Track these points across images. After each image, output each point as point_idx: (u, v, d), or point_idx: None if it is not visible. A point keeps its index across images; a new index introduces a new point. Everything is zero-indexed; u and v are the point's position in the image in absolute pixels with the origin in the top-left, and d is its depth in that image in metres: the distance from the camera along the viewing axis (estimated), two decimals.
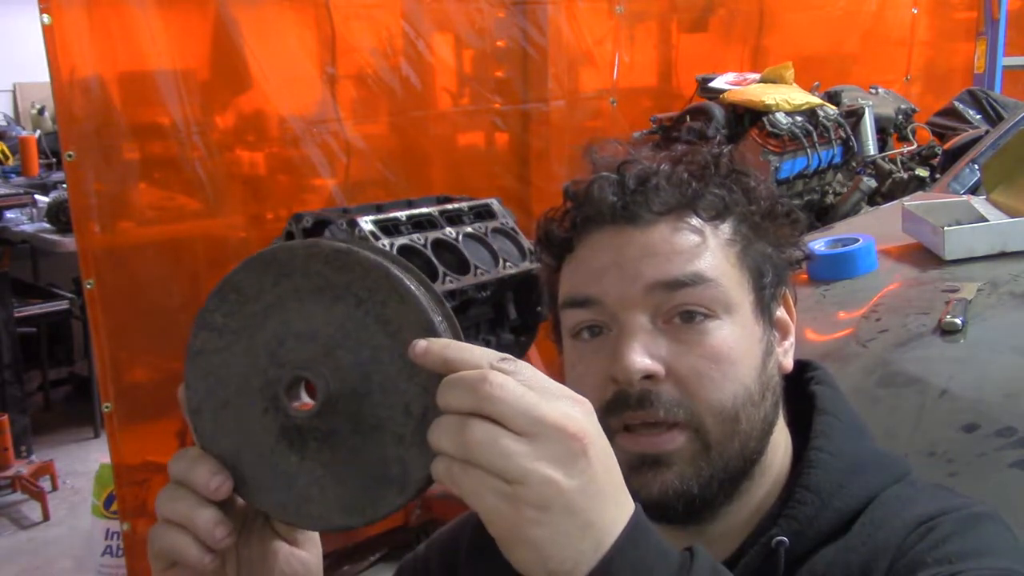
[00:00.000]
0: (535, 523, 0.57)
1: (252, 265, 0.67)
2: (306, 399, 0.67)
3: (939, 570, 0.72)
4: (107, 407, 2.62)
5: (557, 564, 0.57)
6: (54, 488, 4.11)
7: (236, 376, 0.67)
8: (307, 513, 0.66)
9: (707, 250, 0.83)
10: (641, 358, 0.79)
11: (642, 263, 0.82)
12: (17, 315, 4.32)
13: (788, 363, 0.89)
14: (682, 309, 0.81)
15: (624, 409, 0.79)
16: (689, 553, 0.62)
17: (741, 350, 0.82)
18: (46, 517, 3.88)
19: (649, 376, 0.79)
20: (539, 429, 0.57)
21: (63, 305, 4.57)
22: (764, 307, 0.86)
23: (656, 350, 0.80)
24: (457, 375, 0.59)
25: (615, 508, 0.60)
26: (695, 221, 0.84)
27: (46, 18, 2.39)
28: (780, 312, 0.89)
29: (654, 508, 0.63)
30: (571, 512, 0.57)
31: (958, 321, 1.57)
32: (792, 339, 0.91)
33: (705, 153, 0.88)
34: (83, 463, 4.24)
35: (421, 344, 0.61)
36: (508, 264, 2.71)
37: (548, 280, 0.91)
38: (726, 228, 0.85)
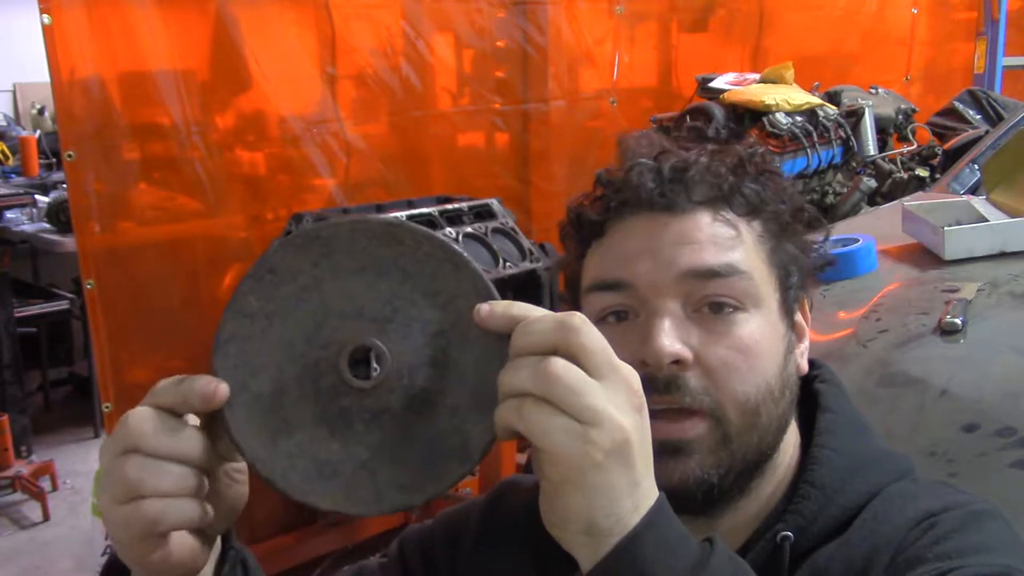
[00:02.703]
0: (597, 467, 0.58)
1: (291, 244, 0.65)
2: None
3: (939, 566, 0.72)
4: (107, 407, 2.62)
5: (602, 516, 0.59)
6: (54, 488, 4.10)
7: (270, 365, 0.65)
8: (360, 499, 0.64)
9: (741, 243, 0.84)
10: (672, 342, 0.79)
11: (677, 250, 0.83)
12: (17, 315, 4.32)
13: (804, 365, 0.91)
14: (712, 299, 0.82)
15: (650, 393, 0.79)
16: (708, 541, 0.63)
17: (767, 345, 0.83)
18: (46, 517, 3.88)
19: (677, 361, 0.80)
20: (613, 375, 0.60)
21: (63, 305, 4.57)
22: (788, 307, 0.87)
23: (686, 337, 0.81)
24: (540, 315, 0.61)
25: (652, 478, 0.62)
26: (730, 215, 0.85)
27: (46, 18, 2.40)
28: (798, 315, 0.90)
29: (674, 496, 0.63)
30: (627, 465, 0.59)
31: (958, 321, 1.57)
32: (807, 342, 0.92)
33: (740, 150, 0.89)
34: (83, 463, 4.24)
35: (485, 307, 0.62)
36: (508, 264, 2.72)
37: (569, 267, 0.92)
38: (757, 225, 0.87)
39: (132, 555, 0.65)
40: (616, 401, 0.59)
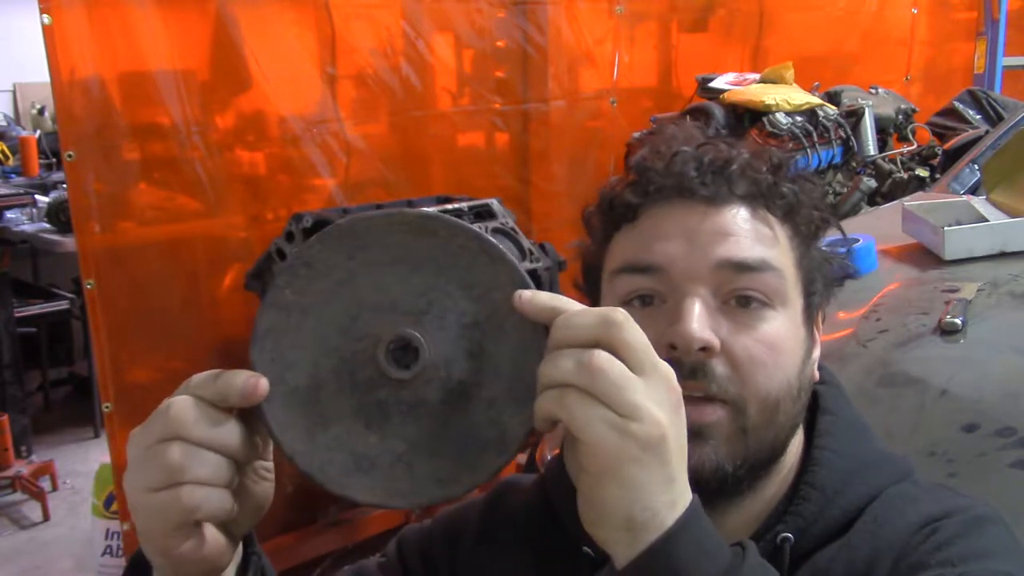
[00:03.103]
0: (635, 461, 0.59)
1: (326, 238, 0.65)
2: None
3: (941, 572, 0.73)
4: (107, 407, 2.62)
5: (640, 510, 0.59)
6: (54, 488, 4.11)
7: (307, 358, 0.65)
8: (397, 491, 0.65)
9: (777, 242, 0.85)
10: (702, 327, 0.80)
11: (714, 239, 0.83)
12: (17, 315, 4.32)
13: (816, 373, 0.91)
14: (742, 293, 0.82)
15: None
16: (741, 546, 0.64)
17: (790, 344, 0.84)
18: (46, 517, 3.88)
19: (705, 348, 0.80)
20: (652, 371, 0.60)
21: (63, 305, 4.57)
22: (809, 313, 0.88)
23: (715, 325, 0.81)
24: (581, 308, 0.61)
25: (686, 475, 0.63)
26: (767, 213, 0.86)
27: (46, 18, 2.39)
28: (814, 326, 0.91)
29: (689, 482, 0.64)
30: (664, 460, 0.60)
31: (958, 321, 1.57)
32: (818, 352, 0.92)
33: (778, 152, 0.90)
34: (83, 463, 4.24)
35: (527, 294, 0.63)
36: None
37: (590, 252, 0.92)
38: (789, 228, 0.87)
39: (162, 545, 0.65)
40: (656, 397, 0.60)
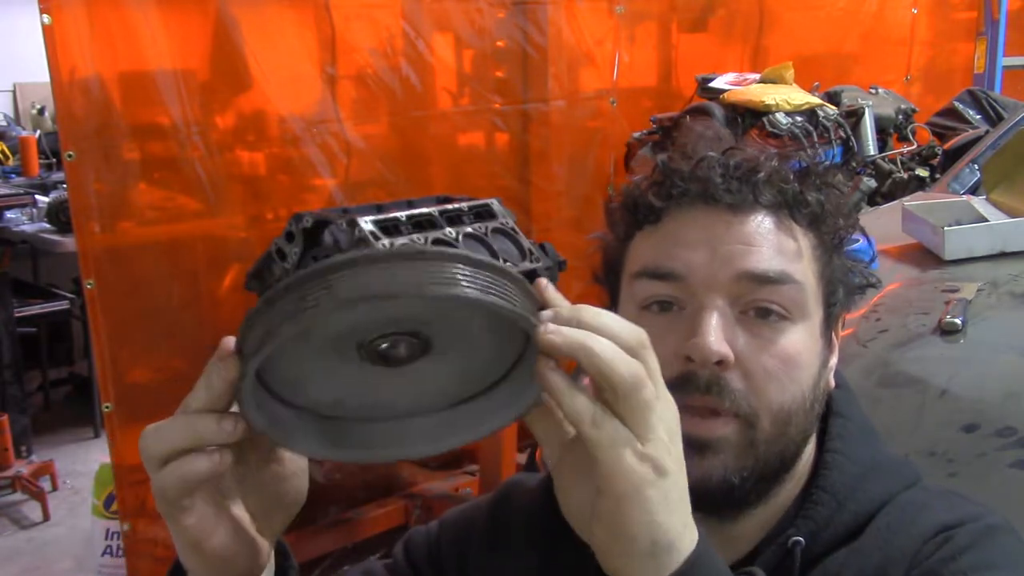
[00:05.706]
0: (651, 484, 0.59)
1: None
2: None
3: None
4: (107, 407, 2.61)
5: (662, 534, 0.60)
6: (54, 488, 4.11)
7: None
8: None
9: (800, 254, 0.84)
10: (719, 341, 0.79)
11: (736, 249, 0.82)
12: (17, 315, 4.32)
13: (832, 381, 0.90)
14: (762, 304, 0.82)
15: (691, 391, 0.79)
16: (750, 574, 0.65)
17: (807, 357, 0.83)
18: (46, 517, 3.88)
19: (720, 362, 0.79)
20: (665, 396, 0.62)
21: (63, 305, 4.57)
22: (829, 323, 0.87)
23: (732, 338, 0.80)
24: (610, 343, 0.59)
25: (688, 499, 0.64)
26: (792, 223, 0.85)
27: (46, 18, 2.39)
28: (832, 334, 0.90)
29: (692, 493, 0.64)
30: (674, 482, 0.61)
31: (958, 321, 1.57)
32: (836, 360, 0.91)
33: (804, 157, 0.90)
34: (83, 463, 4.24)
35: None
36: (508, 264, 2.71)
37: (611, 249, 0.91)
38: (814, 237, 0.87)
39: (167, 511, 0.64)
40: (668, 422, 0.61)
